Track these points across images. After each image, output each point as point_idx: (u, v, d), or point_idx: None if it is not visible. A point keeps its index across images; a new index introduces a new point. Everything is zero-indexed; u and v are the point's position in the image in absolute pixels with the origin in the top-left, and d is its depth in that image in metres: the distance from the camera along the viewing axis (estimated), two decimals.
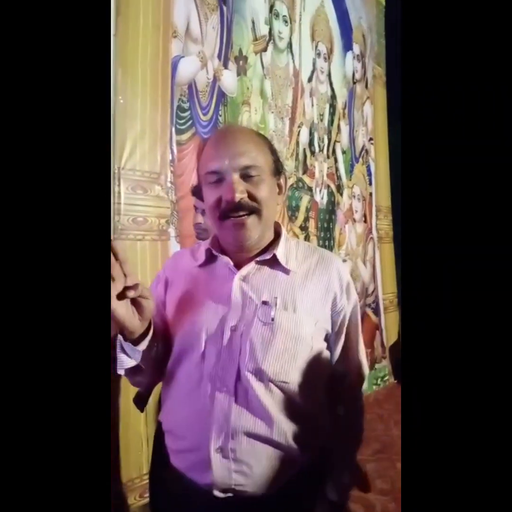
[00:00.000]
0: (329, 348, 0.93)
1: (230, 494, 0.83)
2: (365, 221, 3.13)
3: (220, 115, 1.97)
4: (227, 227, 0.84)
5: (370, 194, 3.23)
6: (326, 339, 0.92)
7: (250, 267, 0.88)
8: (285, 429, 0.83)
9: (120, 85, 1.56)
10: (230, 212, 0.83)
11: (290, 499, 0.86)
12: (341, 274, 0.91)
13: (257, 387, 0.82)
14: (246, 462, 0.82)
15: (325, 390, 0.93)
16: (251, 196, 0.83)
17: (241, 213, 0.83)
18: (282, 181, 0.92)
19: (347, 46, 3.00)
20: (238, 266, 0.88)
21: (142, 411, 1.51)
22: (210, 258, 0.92)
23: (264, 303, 0.85)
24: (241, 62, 2.09)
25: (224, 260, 0.89)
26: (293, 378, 0.84)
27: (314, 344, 0.87)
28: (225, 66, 2.00)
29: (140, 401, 1.49)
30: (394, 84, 3.55)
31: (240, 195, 0.82)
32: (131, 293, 0.71)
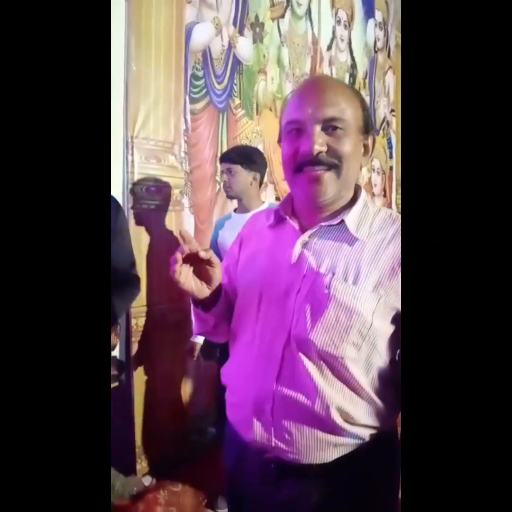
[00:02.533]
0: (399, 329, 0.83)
1: (270, 455, 0.82)
2: (384, 196, 3.07)
3: (235, 84, 1.93)
4: (301, 181, 0.79)
5: (391, 167, 3.16)
6: (397, 319, 0.83)
7: (314, 232, 0.83)
8: (328, 403, 0.79)
9: (133, 53, 1.54)
10: (306, 165, 0.78)
11: (336, 478, 0.82)
12: None
13: (304, 357, 0.79)
14: (286, 429, 0.81)
15: (391, 374, 0.85)
16: (331, 151, 0.77)
17: (318, 168, 0.78)
18: (370, 141, 0.84)
19: (369, 13, 2.89)
20: (304, 230, 0.84)
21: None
22: (279, 220, 0.89)
23: (322, 272, 0.80)
24: (257, 29, 2.04)
25: (290, 223, 0.85)
26: (343, 352, 0.79)
27: (375, 321, 0.80)
28: (241, 33, 1.96)
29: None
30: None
31: (319, 148, 0.76)
32: (202, 254, 0.74)
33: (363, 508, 0.83)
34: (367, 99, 2.86)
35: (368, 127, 0.82)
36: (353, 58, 2.72)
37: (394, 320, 0.82)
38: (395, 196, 3.23)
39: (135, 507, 1.58)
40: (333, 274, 0.79)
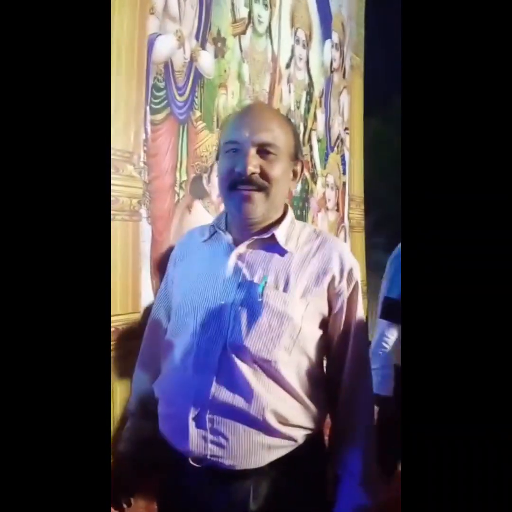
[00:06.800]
0: (327, 334, 0.93)
1: (205, 464, 0.85)
2: (337, 210, 3.17)
3: (196, 97, 1.95)
4: (234, 199, 0.87)
5: (344, 183, 3.27)
6: (324, 324, 0.92)
7: (247, 245, 0.90)
8: (263, 405, 0.83)
9: None
10: (240, 183, 0.85)
11: (272, 481, 0.86)
12: (343, 257, 0.91)
13: (240, 362, 0.84)
14: (222, 434, 0.83)
15: (320, 376, 0.93)
16: (263, 173, 0.85)
17: (250, 187, 0.84)
18: (298, 167, 0.93)
19: (326, 34, 3.00)
20: (237, 243, 0.90)
21: None
22: (214, 234, 0.94)
23: (255, 282, 0.87)
24: (219, 44, 2.07)
25: (225, 237, 0.91)
26: (277, 357, 0.85)
27: (304, 326, 0.87)
28: (203, 47, 1.98)
29: None
30: (372, 74, 3.58)
31: (253, 169, 0.84)
32: None
33: (296, 509, 0.88)
34: (323, 117, 2.95)
35: (297, 154, 0.92)
36: (310, 77, 2.81)
37: (321, 325, 0.91)
38: (348, 211, 3.34)
39: None
40: (265, 283, 0.85)
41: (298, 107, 2.69)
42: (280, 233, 0.91)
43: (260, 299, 0.85)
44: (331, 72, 3.07)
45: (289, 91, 2.60)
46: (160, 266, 1.77)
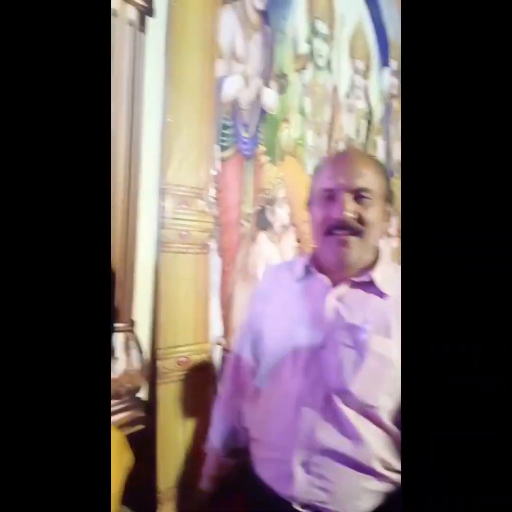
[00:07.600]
0: None
1: (310, 510, 0.84)
2: (399, 236, 3.12)
3: (260, 132, 2.02)
4: (330, 243, 0.88)
5: None
6: None
7: (345, 287, 0.90)
8: (370, 451, 0.83)
9: (169, 105, 1.63)
10: (336, 229, 0.87)
11: None
12: None
13: (344, 407, 0.83)
14: (329, 479, 0.83)
15: None
16: (359, 218, 0.86)
17: (346, 232, 0.86)
18: (391, 209, 0.94)
19: (384, 61, 3.02)
20: (334, 285, 0.91)
21: None
22: (307, 274, 0.95)
23: (357, 325, 0.86)
24: (282, 80, 2.14)
25: (320, 277, 0.92)
26: (381, 402, 0.84)
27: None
28: (267, 84, 2.06)
29: None
30: None
31: (349, 215, 0.85)
32: None
33: None
34: (383, 143, 2.95)
35: (390, 196, 0.91)
36: (369, 105, 2.83)
37: None
38: None
39: None
40: (368, 328, 0.84)
41: (358, 135, 2.71)
42: (378, 275, 0.90)
43: (363, 344, 0.84)
44: (390, 98, 3.07)
45: (349, 120, 2.63)
46: (229, 296, 1.82)
